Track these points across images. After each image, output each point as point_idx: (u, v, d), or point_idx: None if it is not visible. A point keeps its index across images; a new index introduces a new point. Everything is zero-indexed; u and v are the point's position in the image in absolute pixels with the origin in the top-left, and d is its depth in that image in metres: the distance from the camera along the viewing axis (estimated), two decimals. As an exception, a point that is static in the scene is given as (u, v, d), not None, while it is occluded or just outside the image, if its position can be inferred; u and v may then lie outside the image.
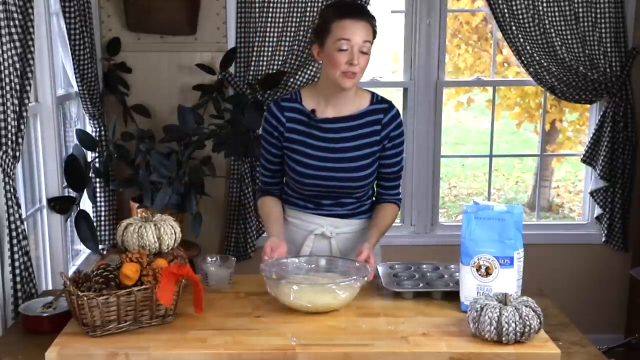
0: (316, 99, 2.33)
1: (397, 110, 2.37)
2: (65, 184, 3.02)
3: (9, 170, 2.16)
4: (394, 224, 4.08)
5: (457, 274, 2.14)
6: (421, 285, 2.17)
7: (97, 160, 3.33)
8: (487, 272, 1.96)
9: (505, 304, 1.85)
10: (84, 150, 3.23)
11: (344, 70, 2.20)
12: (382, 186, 2.42)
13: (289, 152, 2.34)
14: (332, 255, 2.31)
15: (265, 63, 3.59)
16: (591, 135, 3.87)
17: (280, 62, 3.59)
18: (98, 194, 3.42)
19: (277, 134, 2.35)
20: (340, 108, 2.32)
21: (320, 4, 3.53)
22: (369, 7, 2.26)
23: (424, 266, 2.33)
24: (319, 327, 1.92)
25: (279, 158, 2.39)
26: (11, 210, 2.17)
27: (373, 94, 2.39)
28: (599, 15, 3.63)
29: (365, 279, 2.06)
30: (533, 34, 3.64)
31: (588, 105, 3.97)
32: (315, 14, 3.53)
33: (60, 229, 2.95)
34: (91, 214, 3.27)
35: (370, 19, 2.24)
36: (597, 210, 3.95)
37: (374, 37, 2.26)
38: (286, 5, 3.54)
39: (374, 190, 2.47)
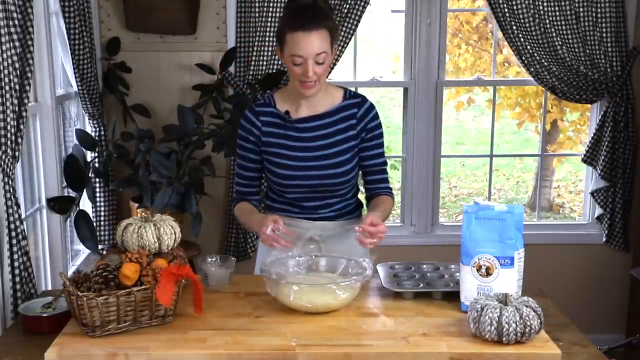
0: (289, 101, 2.34)
1: (371, 103, 2.38)
2: (65, 184, 3.02)
3: (8, 170, 2.16)
4: (394, 224, 4.11)
5: (458, 274, 2.14)
6: (421, 285, 2.16)
7: (96, 160, 3.33)
8: (488, 272, 1.95)
9: (505, 304, 1.85)
10: (84, 150, 3.23)
11: (301, 80, 2.21)
12: (370, 181, 2.41)
13: (268, 156, 2.34)
14: (332, 255, 2.30)
15: (265, 63, 3.59)
16: (592, 135, 3.86)
17: (280, 62, 3.59)
18: (98, 194, 3.42)
19: (253, 138, 2.35)
20: (314, 107, 2.33)
21: (320, 4, 3.53)
22: (322, 10, 2.21)
23: (424, 266, 2.33)
24: (319, 327, 1.92)
25: (256, 164, 2.39)
26: (11, 210, 2.16)
27: (346, 89, 2.39)
28: (599, 15, 3.63)
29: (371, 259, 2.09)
30: (533, 33, 3.64)
31: (589, 105, 3.97)
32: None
33: (59, 229, 2.95)
34: (91, 214, 3.27)
35: (324, 26, 2.18)
36: (598, 210, 3.95)
37: (334, 38, 2.23)
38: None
39: (357, 188, 2.47)
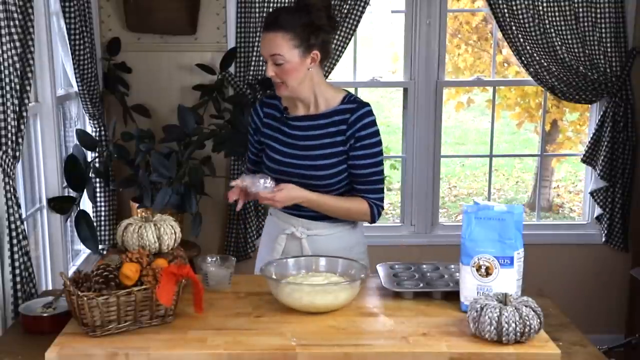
0: (291, 97, 2.37)
1: (368, 111, 2.31)
2: (65, 184, 3.02)
3: (9, 170, 2.16)
4: (394, 224, 4.11)
5: (457, 274, 2.14)
6: (421, 285, 2.17)
7: (97, 160, 3.33)
8: (487, 272, 1.95)
9: (505, 304, 1.85)
10: (84, 150, 3.24)
11: (273, 80, 2.31)
12: (356, 189, 2.36)
13: (264, 146, 2.43)
14: (333, 255, 2.30)
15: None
16: (591, 135, 3.87)
17: (280, 62, 3.58)
18: (98, 194, 3.42)
19: (254, 126, 2.46)
20: (311, 107, 2.36)
21: (320, 4, 3.53)
22: (285, 16, 2.23)
23: (424, 266, 2.33)
24: (319, 327, 1.92)
25: (258, 150, 2.48)
26: (11, 210, 2.16)
27: (347, 94, 2.37)
28: (599, 16, 3.63)
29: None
30: (533, 34, 3.64)
31: (588, 105, 3.98)
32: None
33: (60, 229, 2.95)
34: (91, 214, 3.27)
35: (283, 28, 2.20)
36: (597, 210, 3.95)
37: (304, 42, 2.22)
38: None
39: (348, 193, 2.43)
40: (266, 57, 2.27)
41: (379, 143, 2.33)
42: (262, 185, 2.24)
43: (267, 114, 2.43)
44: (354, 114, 2.30)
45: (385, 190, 2.44)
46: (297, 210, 2.39)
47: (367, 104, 2.34)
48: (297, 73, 2.26)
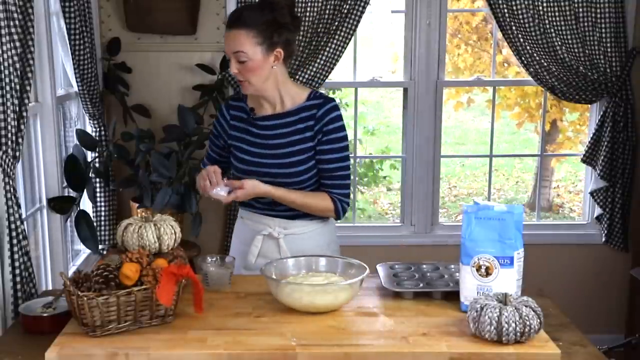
0: (256, 97, 2.38)
1: (334, 106, 2.35)
2: (65, 184, 3.02)
3: (8, 170, 2.16)
4: (394, 224, 4.10)
5: (457, 274, 2.14)
6: (421, 285, 2.17)
7: (97, 160, 3.33)
8: (487, 272, 1.95)
9: (505, 304, 1.85)
10: (84, 150, 3.24)
11: (237, 78, 2.31)
12: (323, 185, 2.38)
13: (232, 148, 2.43)
14: (331, 255, 2.30)
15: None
16: (591, 135, 3.87)
17: (280, 62, 3.58)
18: (98, 194, 3.42)
19: (220, 128, 2.46)
20: (277, 105, 2.37)
21: (320, 4, 3.54)
22: (249, 13, 2.24)
23: (424, 266, 2.33)
24: (319, 327, 1.92)
25: (218, 149, 2.50)
26: (11, 210, 2.16)
27: (312, 91, 2.40)
28: (599, 16, 3.63)
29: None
30: (533, 33, 3.65)
31: (588, 105, 3.98)
32: (315, 13, 3.54)
33: (60, 229, 2.95)
34: (91, 214, 3.27)
35: (245, 26, 2.22)
36: (597, 210, 3.95)
37: (267, 39, 2.23)
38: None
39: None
40: (229, 55, 2.26)
41: (345, 138, 2.37)
42: (216, 192, 2.25)
43: (234, 116, 2.43)
44: (321, 109, 2.33)
45: (351, 186, 2.46)
46: (272, 210, 2.40)
47: (333, 99, 2.38)
48: (260, 71, 2.27)
